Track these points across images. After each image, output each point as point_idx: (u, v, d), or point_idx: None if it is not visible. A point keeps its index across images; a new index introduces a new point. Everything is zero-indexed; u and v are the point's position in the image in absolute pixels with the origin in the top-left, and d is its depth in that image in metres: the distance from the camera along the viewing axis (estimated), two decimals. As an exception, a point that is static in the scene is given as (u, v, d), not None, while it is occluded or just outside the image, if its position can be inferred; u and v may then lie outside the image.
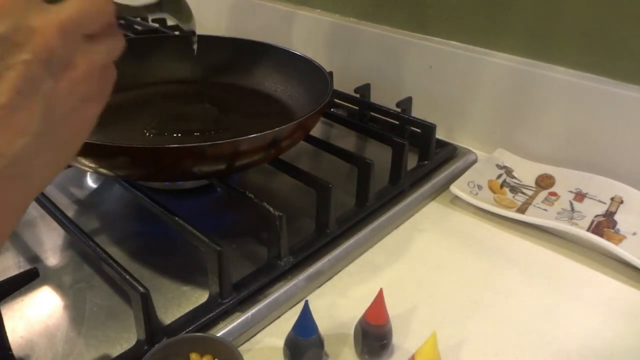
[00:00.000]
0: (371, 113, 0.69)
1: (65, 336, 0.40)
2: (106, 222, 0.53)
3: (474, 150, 0.66)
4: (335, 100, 0.71)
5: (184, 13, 0.52)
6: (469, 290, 0.46)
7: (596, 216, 0.54)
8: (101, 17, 0.28)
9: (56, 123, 0.27)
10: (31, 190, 0.28)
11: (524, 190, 0.60)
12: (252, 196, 0.46)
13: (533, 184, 0.60)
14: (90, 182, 0.59)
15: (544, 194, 0.59)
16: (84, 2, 0.27)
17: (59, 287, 0.44)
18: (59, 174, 0.57)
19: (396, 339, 0.40)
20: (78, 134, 0.29)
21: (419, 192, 0.57)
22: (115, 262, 0.40)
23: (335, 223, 0.49)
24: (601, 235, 0.50)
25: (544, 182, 0.60)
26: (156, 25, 0.95)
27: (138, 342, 0.38)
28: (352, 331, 0.40)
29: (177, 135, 0.55)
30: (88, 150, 0.43)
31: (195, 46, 0.56)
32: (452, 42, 0.69)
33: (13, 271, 0.39)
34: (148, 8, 0.48)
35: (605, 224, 0.53)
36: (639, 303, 0.45)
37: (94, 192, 0.57)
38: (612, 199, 0.56)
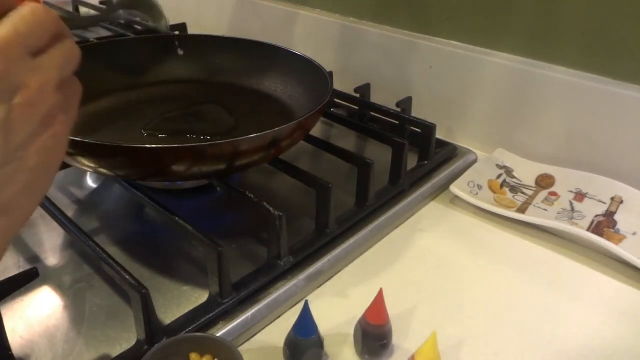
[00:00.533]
0: (371, 113, 0.69)
1: (65, 336, 0.40)
2: (106, 222, 0.53)
3: (474, 150, 0.66)
4: (335, 100, 0.71)
5: (154, 11, 0.51)
6: (469, 290, 0.46)
7: (596, 216, 0.54)
8: (43, 31, 0.27)
9: (20, 149, 0.25)
10: (11, 223, 0.26)
11: (524, 190, 0.59)
12: (252, 196, 0.46)
13: (533, 184, 0.60)
14: (90, 182, 0.59)
15: (544, 194, 0.59)
16: (19, 20, 0.25)
17: (59, 287, 0.44)
18: (58, 175, 0.57)
19: (396, 339, 0.40)
20: (51, 155, 0.27)
21: (419, 192, 0.57)
22: (115, 262, 0.40)
23: (335, 223, 0.49)
24: (601, 235, 0.50)
25: (544, 182, 0.60)
26: (156, 25, 0.95)
27: (138, 342, 0.38)
28: (352, 331, 0.40)
29: (177, 135, 0.55)
30: (88, 150, 0.43)
31: (178, 48, 0.54)
32: (452, 42, 0.69)
33: (13, 271, 0.39)
34: (111, 9, 0.46)
35: (605, 224, 0.53)
36: (639, 303, 0.45)
37: (94, 192, 0.57)
38: (612, 199, 0.56)
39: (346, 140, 0.68)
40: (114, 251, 0.46)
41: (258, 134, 0.44)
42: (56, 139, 0.27)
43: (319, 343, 0.38)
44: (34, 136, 0.26)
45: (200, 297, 0.43)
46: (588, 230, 0.52)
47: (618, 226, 0.53)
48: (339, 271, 0.48)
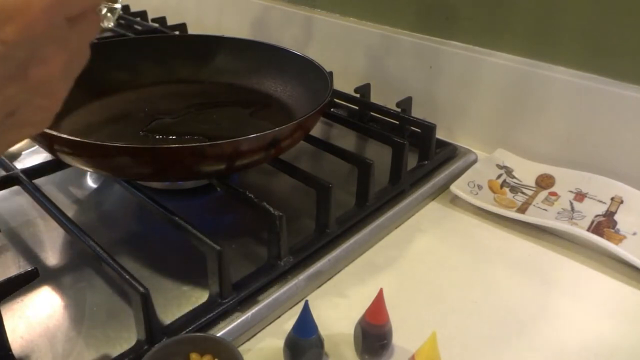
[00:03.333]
0: (371, 113, 0.69)
1: (65, 336, 0.40)
2: (106, 222, 0.53)
3: (474, 150, 0.66)
4: (335, 100, 0.71)
5: None
6: (469, 290, 0.46)
7: (596, 216, 0.54)
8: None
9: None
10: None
11: (524, 190, 0.60)
12: (252, 196, 0.46)
13: (533, 184, 0.60)
14: (90, 182, 0.59)
15: (544, 194, 0.59)
16: None
17: (59, 287, 0.44)
18: (59, 175, 0.57)
19: (396, 339, 0.40)
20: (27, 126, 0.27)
21: (419, 192, 0.57)
22: (115, 262, 0.40)
23: (335, 223, 0.49)
24: (601, 235, 0.50)
25: (544, 182, 0.60)
26: (156, 25, 0.95)
27: (138, 342, 0.38)
28: (352, 331, 0.40)
29: (177, 135, 0.55)
30: (88, 150, 0.43)
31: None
32: (452, 42, 0.69)
33: (13, 271, 0.39)
34: None
35: (605, 224, 0.53)
36: (639, 303, 0.45)
37: (94, 192, 0.57)
38: (612, 199, 0.56)
39: (346, 140, 0.68)
40: (113, 251, 0.46)
41: (258, 134, 0.44)
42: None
43: (319, 343, 0.38)
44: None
45: (200, 297, 0.43)
46: (588, 230, 0.52)
47: (618, 226, 0.53)
48: (339, 271, 0.48)
